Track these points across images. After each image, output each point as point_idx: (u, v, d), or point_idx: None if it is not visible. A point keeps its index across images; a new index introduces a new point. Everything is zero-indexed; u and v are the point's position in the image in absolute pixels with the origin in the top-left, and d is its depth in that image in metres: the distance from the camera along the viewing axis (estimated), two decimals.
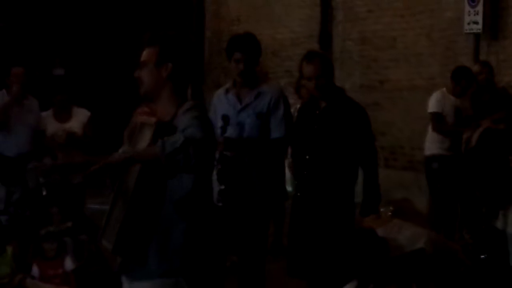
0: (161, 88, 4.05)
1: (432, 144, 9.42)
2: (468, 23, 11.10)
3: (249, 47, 6.17)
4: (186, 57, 4.11)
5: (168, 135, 3.75)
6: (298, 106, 8.53)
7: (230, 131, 6.09)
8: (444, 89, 9.41)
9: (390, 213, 6.52)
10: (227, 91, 6.32)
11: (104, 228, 4.00)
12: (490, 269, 5.45)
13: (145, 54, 4.09)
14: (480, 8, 10.95)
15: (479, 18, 10.97)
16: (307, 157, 6.08)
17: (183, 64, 4.08)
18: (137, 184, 3.79)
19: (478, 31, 11.02)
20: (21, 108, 8.45)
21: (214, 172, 5.89)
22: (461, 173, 9.01)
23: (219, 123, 6.06)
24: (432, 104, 9.37)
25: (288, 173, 8.15)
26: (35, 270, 7.26)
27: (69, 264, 7.34)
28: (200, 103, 4.17)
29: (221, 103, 6.31)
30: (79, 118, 8.64)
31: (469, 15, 11.06)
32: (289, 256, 6.25)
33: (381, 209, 6.50)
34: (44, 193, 8.33)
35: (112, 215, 3.97)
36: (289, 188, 7.96)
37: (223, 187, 6.02)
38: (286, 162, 7.81)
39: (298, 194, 6.17)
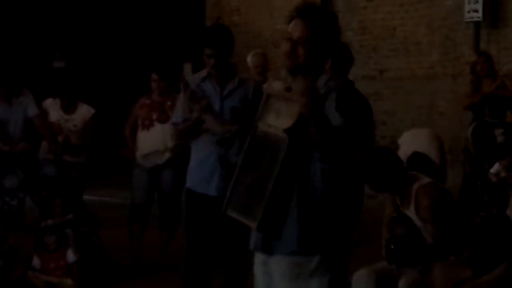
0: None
1: None
2: (468, 12, 11.07)
3: (220, 42, 5.91)
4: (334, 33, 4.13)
5: None
6: None
7: None
8: None
9: None
10: (203, 79, 6.05)
11: (231, 197, 4.03)
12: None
13: (299, 29, 4.12)
14: None
15: (479, 6, 10.93)
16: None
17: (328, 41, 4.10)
18: (283, 165, 3.83)
19: (478, 19, 11.00)
20: (9, 105, 8.57)
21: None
22: None
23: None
24: None
25: None
26: (36, 262, 7.27)
27: (71, 256, 7.35)
28: None
29: (200, 91, 5.93)
30: (82, 113, 8.80)
31: (469, 3, 11.03)
32: None
33: None
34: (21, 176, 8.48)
35: (241, 185, 4.00)
36: None
37: None
38: None
39: None
